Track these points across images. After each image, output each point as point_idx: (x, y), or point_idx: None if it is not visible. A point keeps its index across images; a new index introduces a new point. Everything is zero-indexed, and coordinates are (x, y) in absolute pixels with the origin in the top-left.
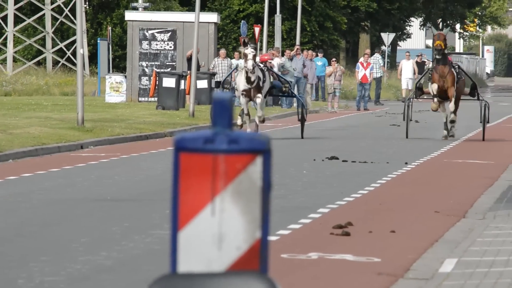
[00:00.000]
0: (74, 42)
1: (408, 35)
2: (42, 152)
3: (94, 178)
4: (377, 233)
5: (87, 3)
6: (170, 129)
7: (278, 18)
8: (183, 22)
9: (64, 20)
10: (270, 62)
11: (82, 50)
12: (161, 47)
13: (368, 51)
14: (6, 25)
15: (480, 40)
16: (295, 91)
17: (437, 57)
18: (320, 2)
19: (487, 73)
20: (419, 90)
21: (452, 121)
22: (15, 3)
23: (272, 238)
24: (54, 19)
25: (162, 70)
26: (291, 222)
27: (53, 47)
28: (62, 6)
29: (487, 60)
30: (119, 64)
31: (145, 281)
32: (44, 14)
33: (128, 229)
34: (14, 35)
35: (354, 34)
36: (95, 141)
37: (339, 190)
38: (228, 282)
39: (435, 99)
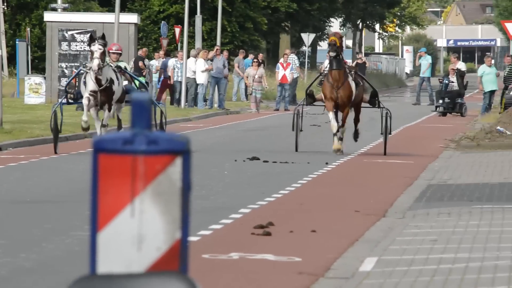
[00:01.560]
0: None
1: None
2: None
3: (14, 180)
4: (298, 233)
5: (5, 4)
6: (90, 130)
7: (198, 18)
8: (103, 23)
9: None
10: (119, 55)
11: (0, 51)
12: (81, 48)
13: (288, 51)
14: None
15: (400, 40)
16: (215, 92)
17: (331, 54)
18: (241, 3)
19: (406, 73)
20: (310, 98)
21: (338, 150)
22: None
23: (193, 238)
24: None
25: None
26: (212, 222)
27: None
28: None
29: (407, 60)
30: (38, 65)
31: (66, 282)
32: None
33: (48, 231)
34: None
35: (274, 34)
36: (14, 142)
37: (260, 190)
38: (148, 283)
39: (336, 140)
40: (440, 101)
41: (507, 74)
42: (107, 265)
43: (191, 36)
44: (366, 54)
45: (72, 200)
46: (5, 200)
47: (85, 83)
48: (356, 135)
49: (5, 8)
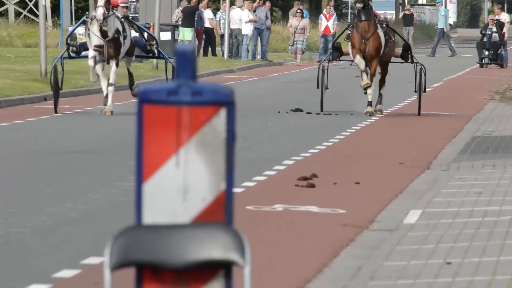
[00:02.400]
0: None
1: None
2: (5, 104)
3: (58, 130)
4: (341, 185)
5: None
6: (135, 81)
7: None
8: None
9: None
10: (126, 8)
11: (44, 1)
12: None
13: (332, 2)
14: None
15: None
16: (258, 43)
17: (358, 5)
18: None
19: (450, 24)
20: (336, 51)
21: (367, 87)
22: None
23: (237, 190)
24: None
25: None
26: (256, 174)
27: None
28: None
29: (450, 11)
30: (81, 16)
31: (111, 232)
32: None
33: (93, 181)
34: None
35: None
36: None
37: (304, 142)
38: (194, 233)
39: (364, 76)
40: (486, 53)
41: None
42: (152, 215)
43: None
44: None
45: (116, 150)
46: (50, 150)
47: (89, 35)
48: (380, 100)
49: None
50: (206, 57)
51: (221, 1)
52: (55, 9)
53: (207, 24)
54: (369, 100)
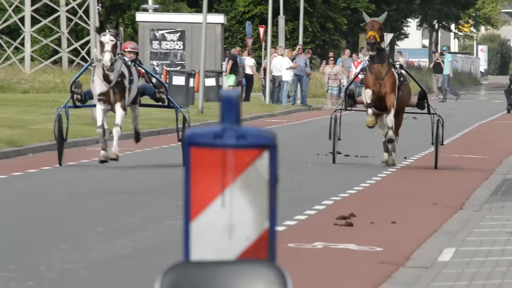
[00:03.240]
0: (88, 41)
1: (406, 35)
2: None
3: (110, 171)
4: (378, 224)
5: (99, 4)
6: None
7: (281, 19)
8: (192, 23)
9: (78, 21)
10: (135, 54)
11: (96, 49)
12: (171, 46)
13: (363, 50)
14: (24, 26)
15: (474, 40)
16: (298, 89)
17: (371, 53)
18: (321, 4)
19: (481, 71)
20: (349, 98)
21: (390, 140)
22: (32, 5)
23: (279, 228)
24: (69, 20)
25: (172, 68)
26: (297, 213)
27: (68, 46)
28: (76, 7)
29: (481, 59)
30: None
31: (160, 268)
32: (59, 16)
33: (143, 220)
34: (31, 35)
35: (354, 34)
36: (110, 136)
37: (342, 183)
38: (239, 270)
39: (370, 110)
40: None
41: None
42: (199, 252)
43: (275, 36)
44: (442, 54)
45: (164, 190)
46: (102, 190)
47: (93, 81)
48: (390, 142)
49: (100, 9)
50: (248, 102)
51: (262, 49)
52: None
53: (248, 71)
54: (369, 101)
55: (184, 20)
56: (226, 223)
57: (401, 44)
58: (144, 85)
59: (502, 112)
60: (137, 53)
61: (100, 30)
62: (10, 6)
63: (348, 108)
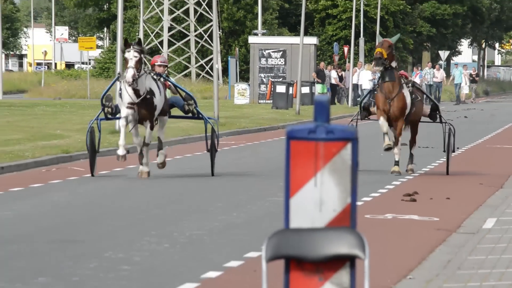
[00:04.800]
0: (211, 59)
1: (459, 52)
2: (189, 140)
3: (228, 160)
4: (436, 200)
5: (220, 30)
6: (282, 123)
7: (361, 40)
8: (291, 44)
9: (204, 44)
10: (165, 67)
11: (217, 65)
12: (275, 62)
13: (429, 63)
14: (162, 47)
15: None
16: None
17: (376, 68)
18: (393, 28)
19: None
20: (364, 110)
21: (387, 148)
22: (169, 31)
23: (358, 203)
24: (196, 42)
25: (275, 79)
26: (372, 191)
27: (196, 63)
28: (203, 33)
29: None
30: (244, 76)
31: (266, 234)
32: (189, 39)
33: (252, 197)
34: (168, 55)
35: (418, 52)
36: (227, 132)
37: (407, 168)
38: (327, 235)
39: (386, 137)
40: None
41: None
42: (296, 222)
43: (356, 53)
44: (488, 66)
45: (269, 174)
46: (221, 173)
47: (121, 94)
48: (411, 160)
49: (221, 34)
50: (334, 105)
51: (346, 63)
52: (225, 71)
53: (332, 81)
54: (396, 159)
55: (285, 42)
56: (318, 199)
57: (455, 59)
58: (174, 98)
59: None
60: (166, 66)
61: (125, 46)
62: (152, 33)
63: (364, 119)
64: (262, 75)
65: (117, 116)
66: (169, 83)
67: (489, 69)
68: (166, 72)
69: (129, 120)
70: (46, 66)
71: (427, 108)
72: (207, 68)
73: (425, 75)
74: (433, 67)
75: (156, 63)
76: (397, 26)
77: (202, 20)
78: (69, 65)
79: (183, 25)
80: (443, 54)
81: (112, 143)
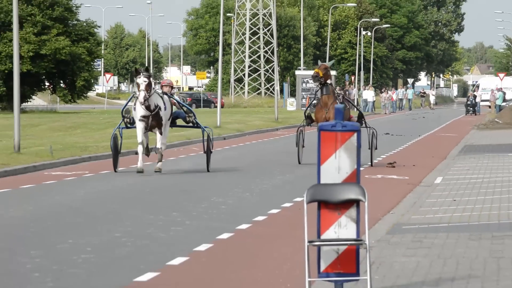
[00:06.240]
0: (273, 84)
1: (419, 79)
2: (261, 131)
3: (291, 137)
4: (407, 166)
5: (278, 67)
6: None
7: (362, 72)
8: None
9: (269, 75)
10: (170, 87)
11: (277, 88)
12: (310, 86)
13: (400, 86)
14: (244, 77)
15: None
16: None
17: (315, 84)
18: (380, 66)
19: (454, 96)
20: (308, 118)
21: None
22: (248, 68)
23: (361, 168)
24: (264, 74)
25: (311, 95)
26: (368, 161)
27: (264, 86)
28: (268, 68)
29: (454, 90)
30: (292, 93)
31: (305, 188)
32: (260, 73)
33: (295, 166)
34: (248, 82)
35: (395, 79)
36: (283, 127)
37: (390, 147)
38: (343, 187)
39: None
40: None
41: None
42: (324, 179)
43: (359, 80)
44: (436, 87)
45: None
46: (258, 160)
47: (135, 109)
48: None
49: (279, 69)
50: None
51: (361, 84)
52: (281, 90)
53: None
54: None
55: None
56: (337, 166)
57: (417, 83)
58: (177, 111)
59: (462, 114)
60: (172, 87)
61: (136, 74)
62: (238, 69)
63: (308, 125)
64: (303, 93)
65: (134, 125)
66: (174, 100)
67: (437, 89)
68: (171, 91)
69: (144, 144)
70: (177, 89)
71: (354, 117)
72: (271, 89)
73: (398, 93)
74: (405, 88)
75: (164, 84)
76: (382, 64)
77: (267, 61)
78: (190, 88)
79: (256, 64)
80: (410, 80)
81: (129, 146)
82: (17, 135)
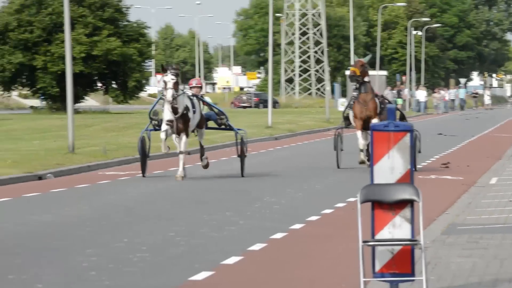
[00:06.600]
0: (323, 84)
1: (471, 79)
2: (310, 132)
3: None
4: (461, 167)
5: (329, 67)
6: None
7: (413, 72)
8: (371, 75)
9: (319, 75)
10: (199, 88)
11: (328, 88)
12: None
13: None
14: (295, 78)
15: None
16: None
17: (352, 84)
18: (432, 65)
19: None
20: (346, 120)
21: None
22: (299, 68)
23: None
24: (314, 75)
25: None
26: (422, 162)
27: (315, 87)
28: (318, 68)
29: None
30: (343, 93)
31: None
32: (311, 73)
33: (350, 169)
34: (298, 82)
35: (446, 79)
36: (334, 127)
37: (445, 146)
38: (396, 187)
39: (361, 154)
40: None
41: None
42: (378, 179)
43: (410, 80)
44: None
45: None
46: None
47: (163, 110)
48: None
49: (330, 69)
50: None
51: (413, 84)
52: (332, 91)
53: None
54: (361, 148)
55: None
56: (390, 166)
57: (469, 83)
58: (208, 113)
59: None
60: (200, 87)
61: (163, 71)
62: (288, 69)
63: (346, 127)
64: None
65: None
66: (205, 102)
67: (490, 89)
68: (200, 92)
69: (168, 133)
70: (228, 89)
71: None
72: (322, 89)
73: (450, 93)
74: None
75: (191, 85)
76: (433, 64)
77: (318, 61)
78: (241, 88)
79: (306, 64)
80: (462, 80)
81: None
82: (71, 136)
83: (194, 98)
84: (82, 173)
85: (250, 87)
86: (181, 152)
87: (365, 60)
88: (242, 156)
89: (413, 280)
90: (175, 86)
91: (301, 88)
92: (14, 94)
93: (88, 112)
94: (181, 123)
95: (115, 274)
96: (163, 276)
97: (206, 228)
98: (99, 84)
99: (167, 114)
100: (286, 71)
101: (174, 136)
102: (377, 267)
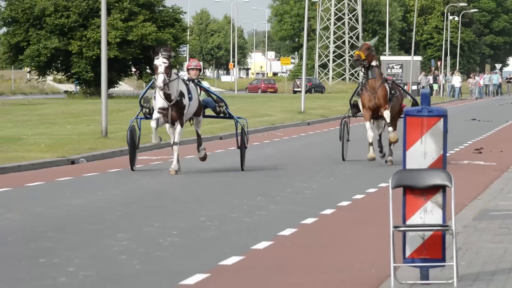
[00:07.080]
0: (357, 70)
1: (507, 65)
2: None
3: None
4: (494, 152)
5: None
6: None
7: (448, 58)
8: (406, 60)
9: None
10: (198, 70)
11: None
12: (396, 71)
13: (487, 71)
14: (329, 63)
15: None
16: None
17: (357, 69)
18: (467, 51)
19: None
20: (354, 108)
21: (393, 142)
22: (333, 54)
23: (447, 154)
24: (349, 60)
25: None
26: (455, 147)
27: (349, 72)
28: (353, 54)
29: None
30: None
31: (390, 174)
32: (345, 58)
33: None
34: (332, 68)
35: (482, 64)
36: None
37: (477, 133)
38: (429, 172)
39: (370, 148)
40: None
41: None
42: (410, 164)
43: (445, 66)
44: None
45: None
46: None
47: (155, 97)
48: (390, 152)
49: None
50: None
51: (446, 70)
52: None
53: (431, 81)
54: (370, 141)
55: (402, 59)
56: (423, 151)
57: (505, 68)
58: (206, 100)
59: None
60: (199, 69)
61: (153, 54)
62: (323, 55)
63: (354, 116)
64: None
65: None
66: (202, 87)
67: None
68: (198, 75)
69: (160, 122)
70: (261, 74)
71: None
72: (355, 75)
73: (485, 79)
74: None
75: (190, 67)
76: (469, 49)
77: (352, 47)
78: (275, 74)
79: (341, 50)
80: (498, 66)
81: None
82: (105, 120)
83: (191, 83)
84: (115, 157)
85: (283, 73)
86: (175, 144)
87: (371, 43)
88: (242, 147)
89: (443, 266)
90: (167, 70)
91: (334, 74)
92: (49, 78)
93: (121, 97)
94: (175, 111)
95: (146, 258)
96: (193, 260)
97: (237, 213)
98: (133, 69)
99: (159, 101)
100: (320, 56)
101: (167, 126)
102: (408, 253)
